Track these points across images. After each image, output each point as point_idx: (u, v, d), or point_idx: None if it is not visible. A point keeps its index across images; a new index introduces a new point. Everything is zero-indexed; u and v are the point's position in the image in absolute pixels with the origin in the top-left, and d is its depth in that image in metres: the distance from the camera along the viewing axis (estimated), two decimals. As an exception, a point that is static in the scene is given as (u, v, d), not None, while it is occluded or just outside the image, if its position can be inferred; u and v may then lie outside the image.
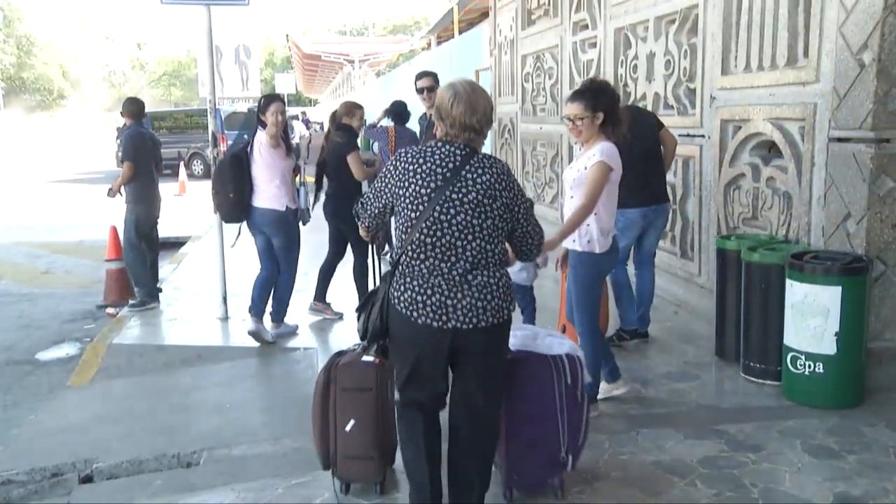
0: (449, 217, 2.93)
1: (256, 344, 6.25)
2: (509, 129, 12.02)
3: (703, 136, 6.43)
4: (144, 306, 7.39)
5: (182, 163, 20.99)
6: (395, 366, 3.16)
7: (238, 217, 6.17)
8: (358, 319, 3.25)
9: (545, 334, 3.75)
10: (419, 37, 29.11)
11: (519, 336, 3.62)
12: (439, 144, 3.03)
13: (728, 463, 3.89)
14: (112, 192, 7.44)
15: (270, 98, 6.22)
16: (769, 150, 5.72)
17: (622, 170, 4.28)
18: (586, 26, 8.81)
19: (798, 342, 4.58)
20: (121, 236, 7.64)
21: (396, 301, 3.00)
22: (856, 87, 4.68)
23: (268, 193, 6.05)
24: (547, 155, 10.37)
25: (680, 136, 6.73)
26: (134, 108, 7.55)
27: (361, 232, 3.35)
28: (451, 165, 2.96)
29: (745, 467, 3.84)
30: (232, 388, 5.39)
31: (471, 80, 3.15)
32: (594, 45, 8.67)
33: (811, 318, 4.49)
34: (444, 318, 2.94)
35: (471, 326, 2.95)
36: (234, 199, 6.02)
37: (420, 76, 7.45)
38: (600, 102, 4.15)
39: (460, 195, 2.93)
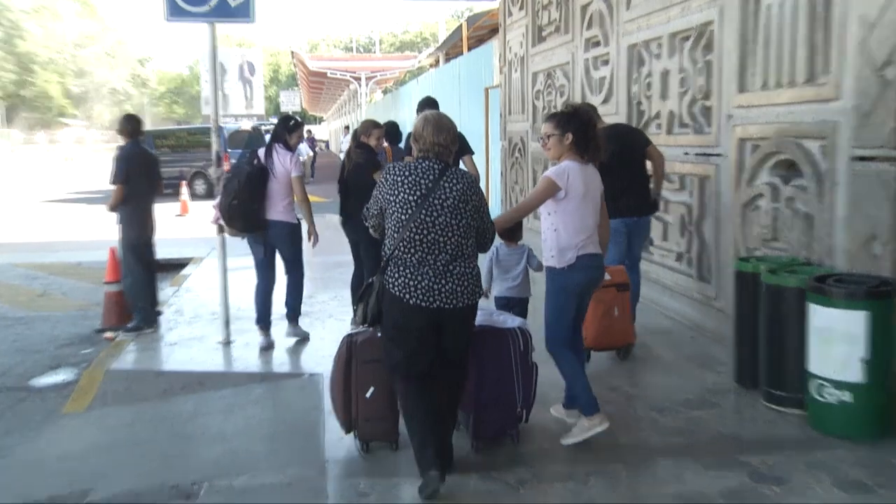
0: (433, 218, 3.85)
1: (260, 370, 6.21)
2: (520, 148, 12.01)
3: (719, 154, 6.40)
4: (139, 331, 7.34)
5: (184, 182, 20.88)
6: (388, 345, 4.04)
7: (257, 227, 6.66)
8: (356, 310, 4.13)
9: (497, 313, 4.74)
10: (427, 53, 29.23)
11: (479, 315, 4.42)
12: (419, 161, 3.98)
13: (752, 496, 3.82)
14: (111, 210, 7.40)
15: (300, 123, 6.94)
16: (788, 169, 5.67)
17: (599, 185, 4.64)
18: (598, 43, 8.81)
19: (823, 369, 4.51)
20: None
21: (391, 286, 3.90)
22: (878, 104, 4.64)
23: (281, 207, 6.65)
24: (558, 174, 10.34)
25: (696, 154, 6.71)
26: (129, 126, 7.46)
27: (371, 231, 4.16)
28: (431, 177, 3.90)
29: (769, 501, 3.77)
30: (234, 416, 5.34)
31: (440, 111, 4.23)
32: (606, 62, 8.66)
33: (836, 344, 4.42)
34: (430, 298, 3.87)
35: (451, 306, 3.90)
36: (258, 210, 6.60)
37: (422, 103, 8.52)
38: (570, 124, 4.48)
39: (441, 200, 3.87)
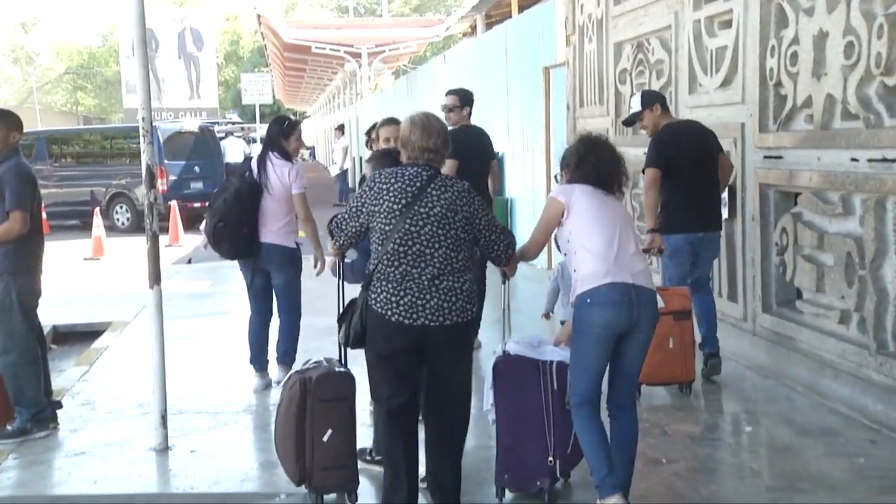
0: (417, 228, 5.01)
1: (212, 488, 6.17)
2: (598, 154, 11.95)
3: (908, 160, 6.34)
4: (25, 436, 7.25)
5: (98, 209, 20.66)
6: (371, 370, 5.30)
7: (247, 253, 7.93)
8: (339, 329, 5.38)
9: (547, 343, 5.77)
10: (458, 17, 29.37)
11: (522, 343, 5.72)
12: (407, 167, 5.21)
13: None
14: None
15: (295, 122, 8.12)
16: None
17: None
18: (716, -5, 8.81)
19: None
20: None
21: (374, 302, 5.08)
22: None
23: (276, 228, 7.89)
24: (657, 193, 10.27)
25: (871, 160, 6.62)
26: (5, 126, 7.40)
27: (332, 250, 5.49)
28: (417, 184, 5.09)
29: None
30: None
31: (426, 111, 5.47)
32: (728, 24, 8.66)
33: None
34: (413, 315, 5.00)
35: (437, 324, 5.01)
36: (247, 234, 7.80)
37: (446, 94, 9.81)
38: (565, 161, 5.64)
39: (427, 209, 5.03)
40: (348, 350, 5.77)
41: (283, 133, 8.03)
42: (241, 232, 7.77)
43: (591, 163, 5.42)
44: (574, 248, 5.34)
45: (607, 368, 5.36)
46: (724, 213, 8.49)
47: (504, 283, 5.76)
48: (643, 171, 7.93)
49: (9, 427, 7.27)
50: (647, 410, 7.28)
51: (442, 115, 8.79)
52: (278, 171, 7.85)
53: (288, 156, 7.99)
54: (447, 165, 8.24)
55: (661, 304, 6.90)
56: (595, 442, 5.22)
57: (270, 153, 7.93)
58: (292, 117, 8.19)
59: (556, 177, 5.85)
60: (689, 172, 7.71)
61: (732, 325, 8.68)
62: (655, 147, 7.84)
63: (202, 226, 7.92)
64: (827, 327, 7.33)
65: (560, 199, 5.39)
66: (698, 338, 7.91)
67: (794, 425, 6.89)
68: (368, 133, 8.46)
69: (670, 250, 7.79)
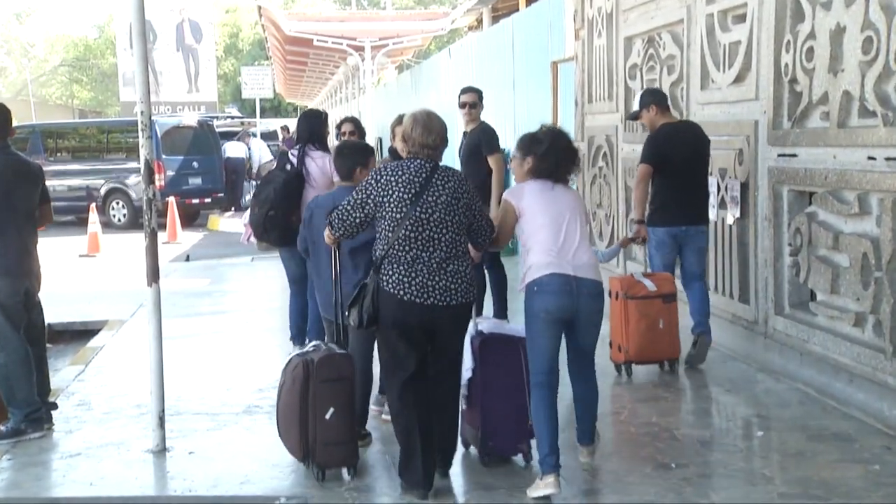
0: (427, 215, 5.67)
1: (211, 491, 6.16)
2: (605, 153, 11.94)
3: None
4: (19, 437, 7.24)
5: (94, 205, 20.63)
6: (382, 347, 6.00)
7: (293, 240, 8.15)
8: (349, 313, 5.88)
9: (512, 325, 6.66)
10: (464, 10, 29.34)
11: (491, 323, 6.61)
12: (409, 160, 5.84)
13: None
14: None
15: (326, 115, 9.05)
16: None
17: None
18: (730, -11, 8.80)
19: None
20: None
21: (386, 284, 5.69)
22: None
23: None
24: (668, 191, 10.27)
25: (888, 159, 6.61)
26: None
27: (328, 240, 6.12)
28: (423, 175, 5.75)
29: None
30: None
31: (428, 109, 6.08)
32: (742, 18, 8.64)
33: None
34: (425, 295, 5.67)
35: (445, 303, 5.71)
36: (295, 222, 8.20)
37: (464, 91, 10.52)
38: (531, 148, 6.08)
39: (434, 197, 5.70)
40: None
41: (324, 125, 9.13)
42: (291, 220, 8.37)
43: (555, 154, 5.99)
44: (527, 242, 5.98)
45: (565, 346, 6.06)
46: (738, 212, 8.75)
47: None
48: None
49: (2, 428, 7.26)
50: (657, 415, 7.34)
51: (460, 112, 10.27)
52: (318, 163, 8.66)
53: (327, 147, 8.81)
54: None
55: (652, 287, 8.13)
56: (545, 423, 5.81)
57: (309, 146, 8.74)
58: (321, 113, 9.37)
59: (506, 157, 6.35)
60: (680, 172, 8.36)
61: (744, 328, 8.69)
62: (650, 145, 8.45)
63: (244, 218, 8.64)
64: (841, 330, 7.31)
65: (512, 203, 6.02)
66: (689, 322, 8.53)
67: (808, 430, 6.88)
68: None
69: (655, 242, 8.56)
